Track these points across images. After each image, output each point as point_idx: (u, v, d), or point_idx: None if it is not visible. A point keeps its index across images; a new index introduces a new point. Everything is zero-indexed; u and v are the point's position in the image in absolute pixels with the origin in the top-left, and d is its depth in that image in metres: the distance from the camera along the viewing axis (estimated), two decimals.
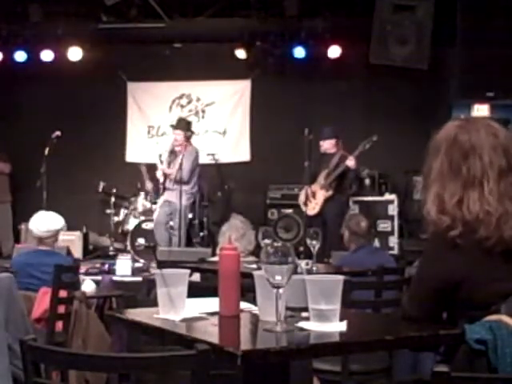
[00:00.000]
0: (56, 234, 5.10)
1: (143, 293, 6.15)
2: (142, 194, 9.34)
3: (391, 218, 9.04)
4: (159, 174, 8.62)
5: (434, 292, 2.29)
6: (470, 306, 2.24)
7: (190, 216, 8.85)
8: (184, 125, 8.63)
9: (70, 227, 5.77)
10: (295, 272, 2.13)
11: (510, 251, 2.21)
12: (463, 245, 2.21)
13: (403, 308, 2.42)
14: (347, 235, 5.60)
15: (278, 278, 2.08)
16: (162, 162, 8.53)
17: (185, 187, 8.29)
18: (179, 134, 8.45)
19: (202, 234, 9.36)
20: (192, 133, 8.67)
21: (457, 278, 2.23)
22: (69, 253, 6.10)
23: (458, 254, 2.22)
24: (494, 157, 2.26)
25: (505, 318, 2.13)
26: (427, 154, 2.38)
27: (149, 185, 9.34)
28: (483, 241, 2.20)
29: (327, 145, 8.58)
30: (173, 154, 8.54)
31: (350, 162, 8.29)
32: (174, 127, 8.64)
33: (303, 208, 8.48)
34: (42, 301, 4.64)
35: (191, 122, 9.16)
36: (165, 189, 8.60)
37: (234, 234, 5.05)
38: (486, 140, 2.28)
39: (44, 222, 5.08)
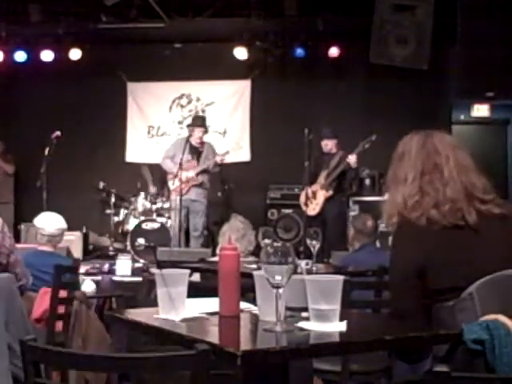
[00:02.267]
0: (63, 232, 5.15)
1: (143, 293, 6.14)
2: (142, 193, 9.32)
3: None
4: (171, 182, 8.60)
5: (406, 281, 2.44)
6: (438, 292, 2.36)
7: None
8: (204, 122, 8.87)
9: (70, 227, 5.75)
10: (295, 272, 2.13)
11: (473, 231, 2.40)
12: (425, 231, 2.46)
13: (389, 303, 2.63)
14: (352, 233, 5.65)
15: (278, 277, 2.08)
16: (181, 165, 8.31)
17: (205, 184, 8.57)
18: (204, 132, 8.69)
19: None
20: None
21: (421, 264, 2.39)
22: (69, 253, 6.09)
23: (420, 241, 2.44)
24: (417, 160, 2.65)
25: (502, 318, 2.13)
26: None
27: (152, 189, 9.32)
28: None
29: (331, 144, 8.61)
30: (194, 150, 8.62)
31: (352, 159, 8.30)
32: (198, 125, 8.73)
33: (304, 208, 8.48)
34: (42, 301, 4.63)
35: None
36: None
37: (234, 234, 5.04)
38: (416, 147, 2.71)
39: (53, 220, 5.15)
